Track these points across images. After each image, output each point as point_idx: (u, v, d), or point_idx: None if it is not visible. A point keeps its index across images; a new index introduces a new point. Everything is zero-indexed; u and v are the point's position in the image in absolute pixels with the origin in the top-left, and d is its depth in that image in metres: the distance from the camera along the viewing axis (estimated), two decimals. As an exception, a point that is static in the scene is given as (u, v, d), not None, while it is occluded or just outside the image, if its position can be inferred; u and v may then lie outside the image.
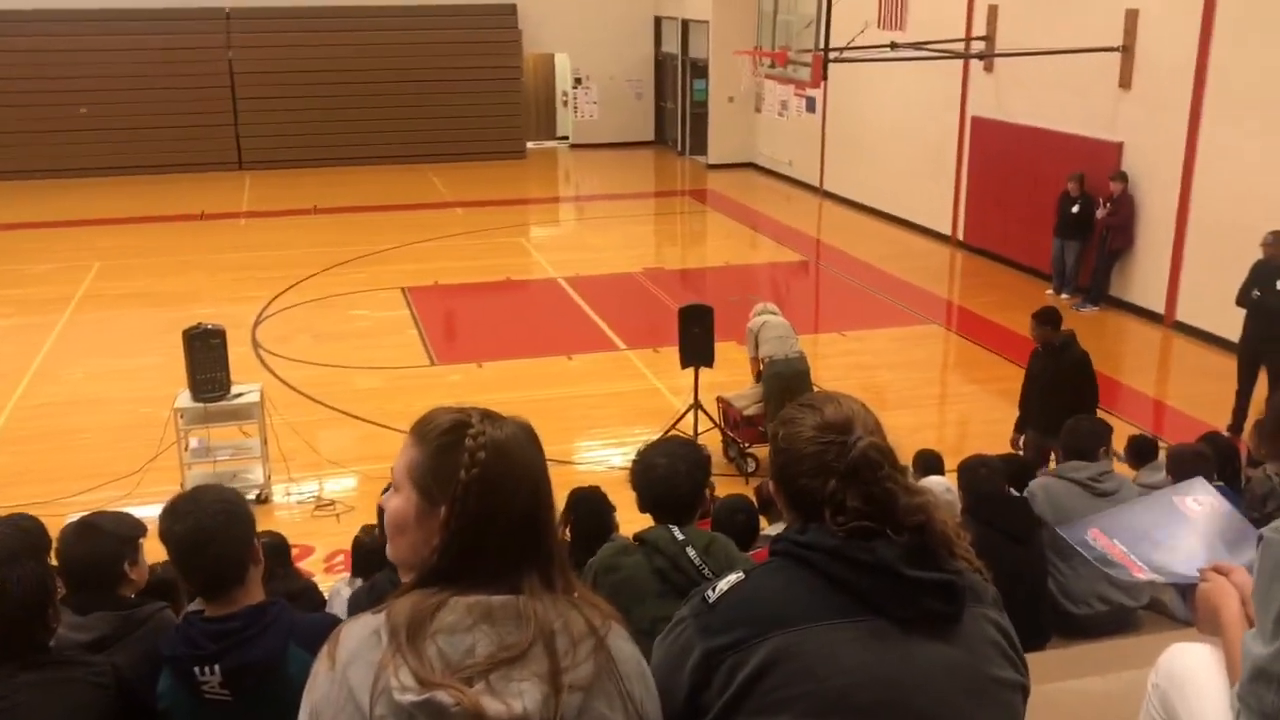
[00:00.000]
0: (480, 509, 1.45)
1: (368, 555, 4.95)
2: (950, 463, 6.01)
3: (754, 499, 5.34)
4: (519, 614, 1.42)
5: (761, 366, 8.59)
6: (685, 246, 17.77)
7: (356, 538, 5.12)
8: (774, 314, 8.86)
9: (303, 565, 6.97)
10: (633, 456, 3.24)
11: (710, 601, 1.69)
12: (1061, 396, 7.21)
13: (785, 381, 8.21)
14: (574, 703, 1.40)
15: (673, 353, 9.25)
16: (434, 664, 1.36)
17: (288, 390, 10.27)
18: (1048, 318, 7.79)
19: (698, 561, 2.83)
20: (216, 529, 2.35)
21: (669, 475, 3.00)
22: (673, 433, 8.63)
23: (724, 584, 1.70)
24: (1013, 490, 5.21)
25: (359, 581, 4.82)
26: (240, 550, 2.39)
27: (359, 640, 1.41)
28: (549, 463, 1.57)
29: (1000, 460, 5.41)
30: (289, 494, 8.41)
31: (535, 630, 1.40)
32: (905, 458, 1.78)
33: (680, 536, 2.88)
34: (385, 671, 1.36)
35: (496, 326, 12.42)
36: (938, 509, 1.69)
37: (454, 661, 1.37)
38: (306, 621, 2.40)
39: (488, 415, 1.52)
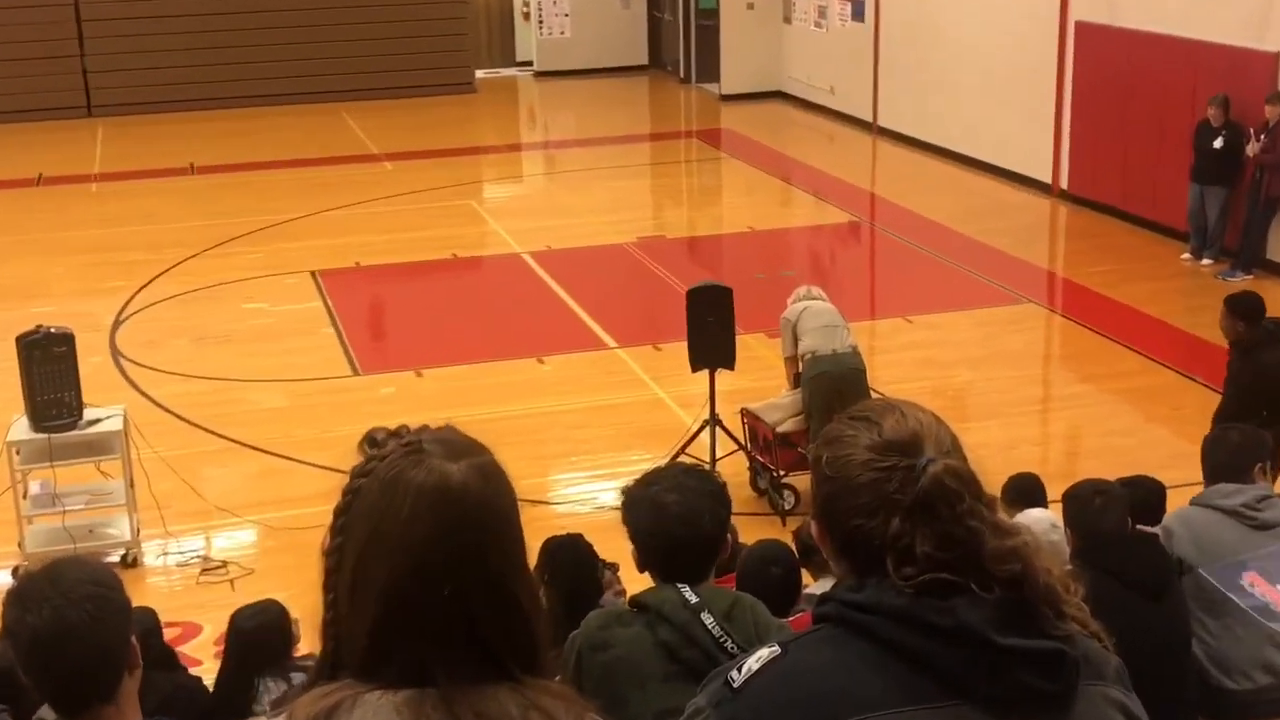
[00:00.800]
0: (338, 562, 1.53)
1: (245, 649, 4.87)
2: (1056, 490, 6.00)
3: (793, 546, 5.35)
4: (465, 714, 1.46)
5: (801, 367, 8.60)
6: (694, 207, 17.78)
7: (233, 619, 5.07)
8: (818, 299, 8.87)
9: (186, 650, 6.97)
10: (624, 492, 3.23)
11: (736, 685, 1.70)
12: (1254, 412, 7.18)
13: (833, 385, 8.22)
14: None
15: (680, 351, 9.25)
16: None
17: (161, 414, 10.28)
18: (1237, 307, 7.82)
19: (717, 632, 2.84)
20: (82, 623, 2.30)
21: (686, 514, 3.01)
22: (680, 458, 8.62)
23: (754, 661, 1.72)
24: (1140, 526, 5.22)
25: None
26: (113, 652, 2.34)
27: None
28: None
29: (1122, 486, 5.41)
30: (165, 554, 8.42)
31: None
32: (994, 486, 1.80)
33: (693, 599, 2.89)
34: None
35: (441, 321, 12.44)
36: (1039, 554, 1.70)
37: None
38: None
39: (414, 442, 1.57)
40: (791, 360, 8.78)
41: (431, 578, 1.50)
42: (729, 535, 3.20)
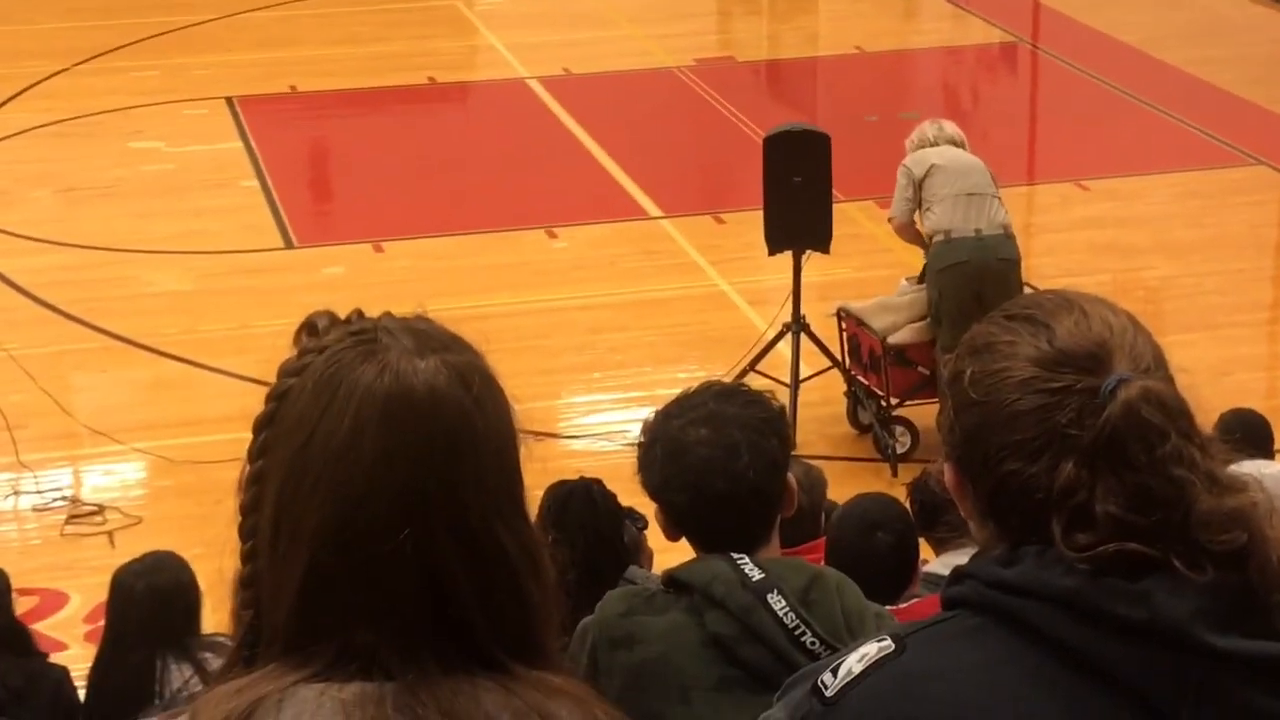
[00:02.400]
0: (257, 496, 1.56)
1: (137, 619, 4.91)
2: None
3: (908, 503, 5.35)
4: (423, 717, 1.48)
5: (927, 250, 8.54)
6: (777, 17, 17.54)
7: (118, 578, 5.12)
8: (954, 144, 8.81)
9: (44, 628, 7.06)
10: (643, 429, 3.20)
11: (830, 695, 1.70)
12: None
13: (973, 283, 8.15)
14: None
15: (753, 223, 9.21)
16: None
17: (14, 296, 10.34)
18: None
19: (791, 621, 2.83)
20: None
21: (718, 458, 3.00)
22: (746, 377, 8.60)
23: (855, 660, 1.72)
24: None
25: None
26: None
27: None
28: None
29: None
30: (16, 494, 8.48)
31: None
32: (1206, 423, 1.80)
33: (754, 574, 2.88)
34: None
35: (412, 175, 12.42)
36: (1272, 520, 1.68)
37: None
38: None
39: (366, 330, 1.58)
40: (909, 230, 8.70)
41: (381, 519, 1.50)
42: (791, 484, 3.17)
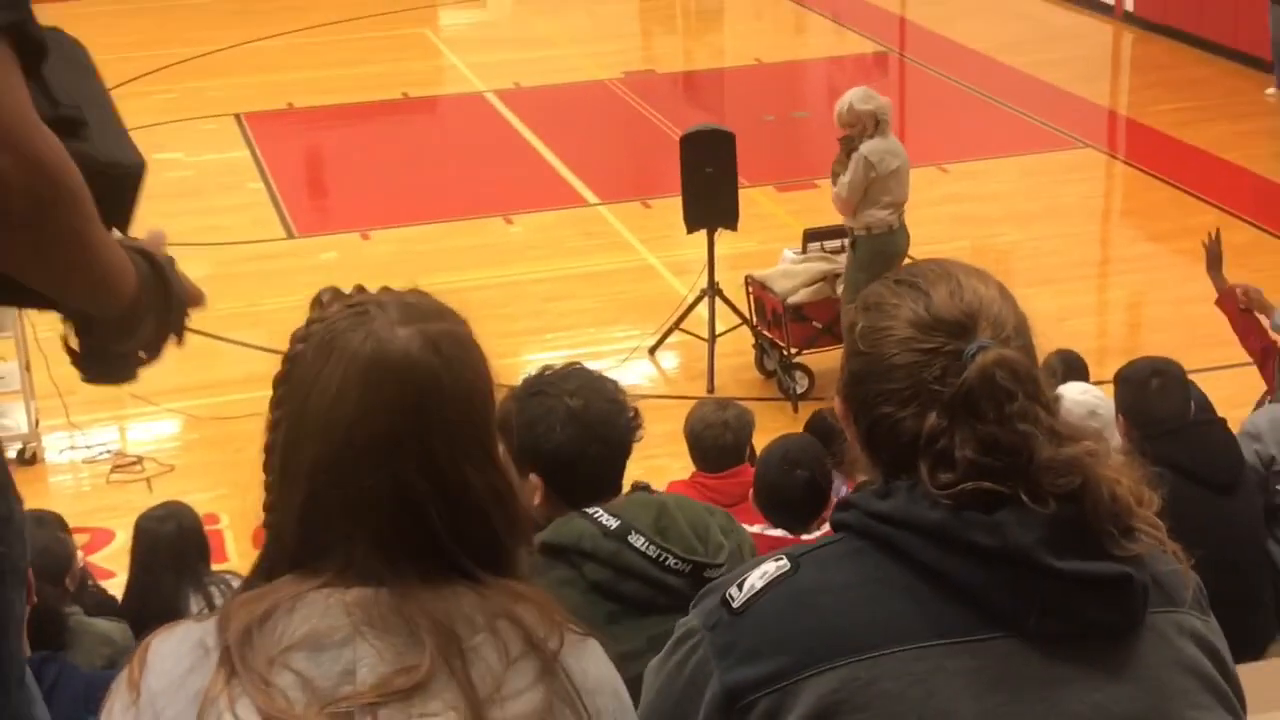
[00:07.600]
0: (274, 440, 1.61)
1: (165, 556, 4.82)
2: (1113, 367, 6.01)
3: (819, 439, 5.32)
4: (417, 617, 1.50)
5: (864, 233, 8.17)
6: (690, 35, 17.55)
7: (140, 524, 5.02)
8: (897, 144, 8.33)
9: (96, 560, 7.01)
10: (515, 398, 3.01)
11: (736, 606, 1.68)
12: None
13: (885, 263, 7.62)
14: None
15: (674, 208, 9.21)
16: (289, 695, 1.45)
17: (61, 285, 10.24)
18: None
19: (653, 552, 2.75)
20: None
21: (551, 427, 2.83)
22: (674, 333, 8.62)
23: (757, 577, 1.69)
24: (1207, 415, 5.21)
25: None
26: None
27: (176, 658, 1.50)
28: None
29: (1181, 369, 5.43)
30: (70, 448, 8.44)
31: (440, 642, 1.50)
32: (1043, 351, 1.80)
33: (611, 523, 2.78)
34: (213, 706, 1.45)
35: (391, 174, 12.37)
36: (1105, 461, 1.67)
37: (323, 690, 1.46)
38: (106, 683, 2.34)
39: (360, 303, 1.60)
40: (845, 204, 8.25)
41: (362, 459, 1.54)
42: (637, 430, 3.03)
